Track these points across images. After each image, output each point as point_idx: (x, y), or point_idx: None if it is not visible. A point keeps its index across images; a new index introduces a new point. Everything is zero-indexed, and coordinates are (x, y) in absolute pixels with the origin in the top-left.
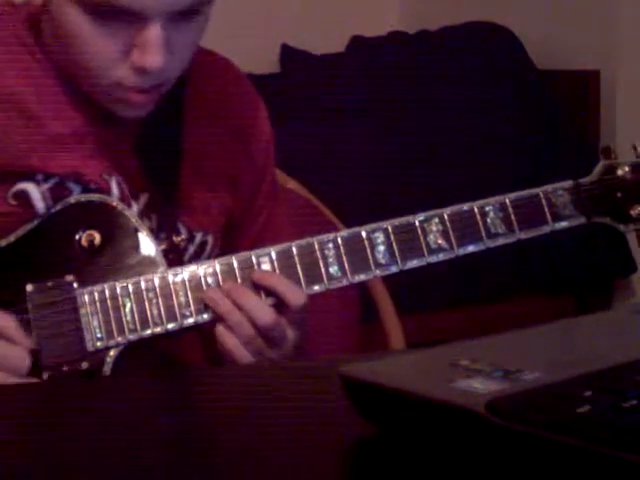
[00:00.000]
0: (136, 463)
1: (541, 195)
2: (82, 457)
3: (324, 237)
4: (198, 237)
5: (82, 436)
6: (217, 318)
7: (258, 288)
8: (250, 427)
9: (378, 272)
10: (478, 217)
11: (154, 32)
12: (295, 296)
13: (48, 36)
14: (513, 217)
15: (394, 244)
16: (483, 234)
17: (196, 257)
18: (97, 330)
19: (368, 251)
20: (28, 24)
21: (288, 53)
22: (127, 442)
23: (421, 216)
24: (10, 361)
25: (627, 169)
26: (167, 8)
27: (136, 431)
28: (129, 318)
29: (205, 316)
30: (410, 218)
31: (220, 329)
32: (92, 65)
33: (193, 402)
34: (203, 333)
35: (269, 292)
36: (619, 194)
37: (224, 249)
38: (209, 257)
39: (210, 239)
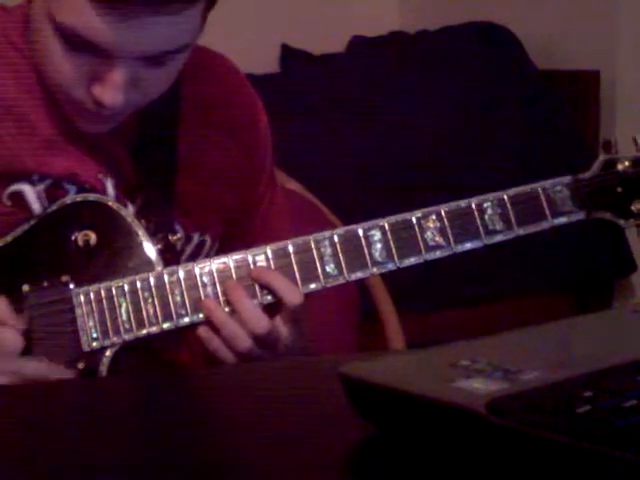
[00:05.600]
0: (134, 464)
1: (540, 190)
2: (77, 458)
3: (320, 235)
4: (195, 238)
5: (78, 437)
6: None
7: (255, 286)
8: (250, 427)
9: (375, 270)
10: (476, 213)
11: (117, 73)
12: (292, 295)
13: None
14: (511, 213)
15: (391, 241)
16: (481, 231)
17: (193, 258)
18: (93, 330)
19: (365, 249)
20: (21, 29)
21: (288, 53)
22: (125, 443)
23: (418, 213)
24: (2, 343)
25: (627, 164)
26: (134, 53)
27: (134, 431)
28: (125, 318)
29: (201, 315)
30: (407, 215)
31: (201, 331)
32: (57, 80)
33: (192, 402)
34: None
35: (266, 289)
36: (619, 189)
37: (223, 248)
38: (207, 257)
39: (208, 239)
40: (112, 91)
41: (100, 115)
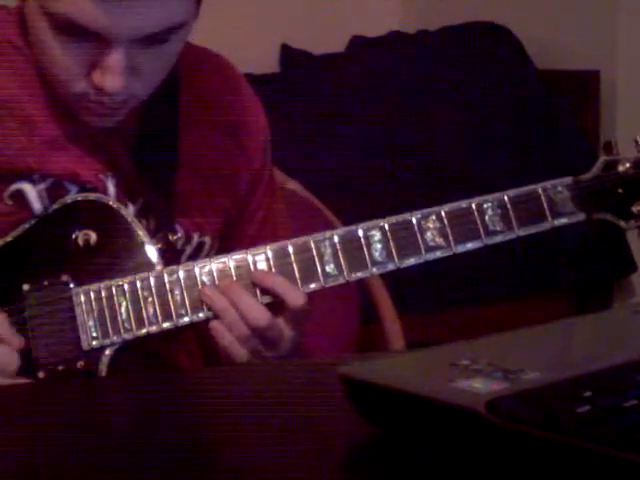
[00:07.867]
0: (134, 463)
1: (540, 191)
2: (77, 458)
3: (320, 235)
4: (195, 238)
5: (77, 437)
6: (213, 315)
7: (256, 287)
8: (249, 427)
9: (375, 270)
10: (476, 214)
11: (115, 56)
12: (294, 297)
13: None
14: (512, 214)
15: (391, 242)
16: (481, 231)
17: (193, 258)
18: (92, 329)
19: (365, 249)
20: (20, 28)
21: (288, 53)
22: (124, 443)
23: (418, 214)
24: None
25: (628, 165)
26: (130, 35)
27: (133, 431)
28: (124, 317)
29: (201, 315)
30: (407, 215)
31: (214, 325)
32: (58, 75)
33: (190, 402)
34: (200, 334)
35: (268, 292)
36: (620, 190)
37: (222, 249)
38: (207, 257)
39: (207, 240)
40: (112, 76)
41: (104, 106)
